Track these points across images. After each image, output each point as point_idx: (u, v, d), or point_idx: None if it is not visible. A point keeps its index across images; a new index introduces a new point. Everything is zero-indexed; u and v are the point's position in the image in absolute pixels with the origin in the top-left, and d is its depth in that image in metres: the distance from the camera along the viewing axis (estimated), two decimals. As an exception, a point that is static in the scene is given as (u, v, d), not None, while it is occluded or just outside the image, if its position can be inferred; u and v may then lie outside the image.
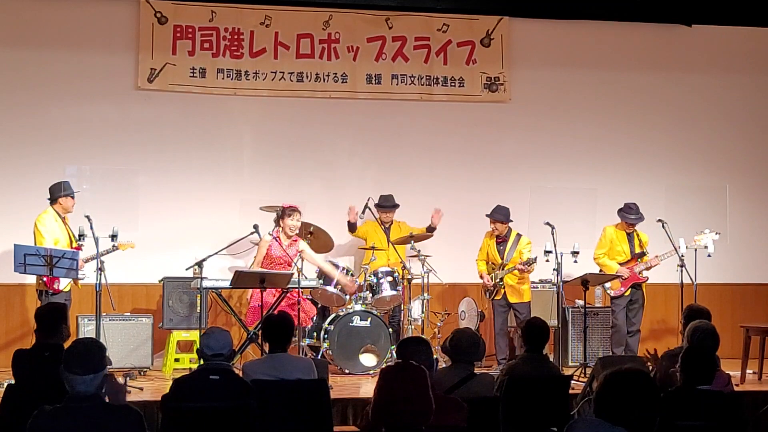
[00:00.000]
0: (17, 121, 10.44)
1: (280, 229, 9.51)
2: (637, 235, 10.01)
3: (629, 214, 9.89)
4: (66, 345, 4.92)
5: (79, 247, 8.93)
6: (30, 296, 9.63)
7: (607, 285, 9.90)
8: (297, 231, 9.58)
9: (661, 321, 11.10)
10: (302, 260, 9.32)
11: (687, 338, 6.12)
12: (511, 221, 9.97)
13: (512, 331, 10.17)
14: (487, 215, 9.92)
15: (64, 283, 8.98)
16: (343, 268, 9.74)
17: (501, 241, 9.94)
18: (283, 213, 9.52)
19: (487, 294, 10.03)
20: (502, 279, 9.83)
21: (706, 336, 6.01)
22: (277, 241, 9.41)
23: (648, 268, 9.89)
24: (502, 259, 9.88)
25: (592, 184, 11.45)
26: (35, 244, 8.98)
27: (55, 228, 9.12)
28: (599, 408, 3.66)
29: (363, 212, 10.16)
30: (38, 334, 6.56)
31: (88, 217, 8.78)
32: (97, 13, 10.59)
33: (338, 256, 10.55)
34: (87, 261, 8.97)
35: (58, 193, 9.22)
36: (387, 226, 10.32)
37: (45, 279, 8.86)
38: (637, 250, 9.93)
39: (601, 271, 9.88)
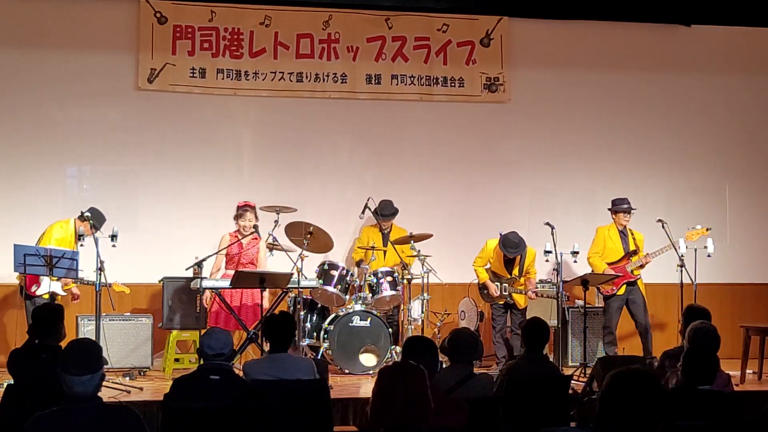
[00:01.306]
0: (18, 121, 10.44)
1: (239, 228, 9.57)
2: (632, 233, 10.05)
3: (622, 204, 10.03)
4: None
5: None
6: (30, 296, 9.64)
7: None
8: (250, 231, 9.60)
9: (661, 321, 11.10)
10: (302, 260, 9.33)
11: (688, 339, 6.12)
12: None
13: (507, 331, 10.14)
14: (503, 249, 9.72)
15: (42, 290, 9.03)
16: (343, 268, 9.73)
17: (509, 259, 9.92)
18: (239, 211, 9.60)
19: (487, 298, 10.01)
20: (511, 295, 9.84)
21: (707, 337, 6.01)
22: (236, 238, 9.50)
23: (640, 267, 9.93)
24: (510, 274, 9.88)
25: (592, 185, 11.45)
26: (38, 242, 9.03)
27: (63, 238, 9.16)
28: (604, 408, 3.65)
29: (363, 212, 10.16)
30: (35, 333, 6.57)
31: (88, 216, 8.78)
32: (97, 13, 10.59)
33: (338, 256, 10.55)
34: (84, 282, 8.97)
35: (92, 219, 9.03)
36: (386, 231, 10.33)
37: (26, 279, 8.93)
38: (631, 248, 9.97)
39: (593, 270, 9.92)
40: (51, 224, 9.33)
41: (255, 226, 9.35)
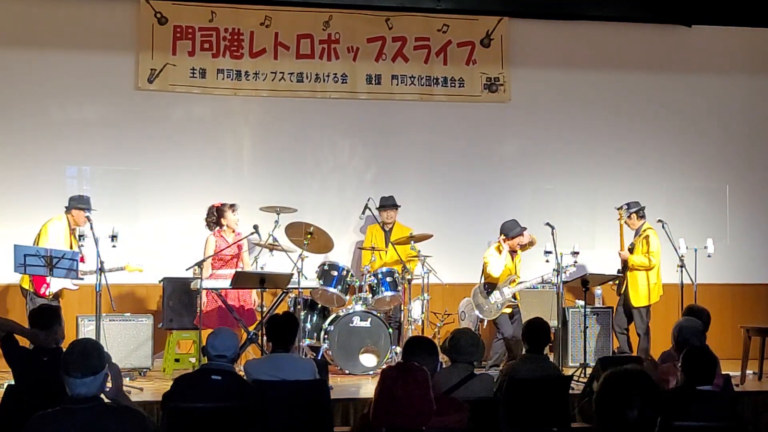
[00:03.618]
0: (17, 121, 10.45)
1: (223, 227, 9.51)
2: (639, 232, 10.04)
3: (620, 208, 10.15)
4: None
5: (82, 258, 8.97)
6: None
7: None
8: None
9: (662, 321, 11.08)
10: (302, 260, 9.33)
11: (673, 337, 6.13)
12: None
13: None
14: (514, 235, 9.67)
15: (54, 288, 9.05)
16: (344, 269, 9.73)
17: (514, 255, 9.84)
18: (221, 211, 9.54)
19: (489, 314, 9.80)
20: (514, 295, 9.79)
21: (691, 333, 6.01)
22: (222, 238, 9.49)
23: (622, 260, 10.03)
24: (515, 271, 9.82)
25: (593, 185, 11.45)
26: (35, 243, 9.04)
27: (61, 237, 9.20)
28: (599, 408, 3.66)
29: (363, 212, 10.17)
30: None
31: (88, 217, 8.79)
32: (97, 13, 10.60)
33: (338, 257, 10.55)
34: (86, 274, 8.95)
35: (74, 203, 9.30)
36: (389, 227, 10.33)
37: (33, 282, 8.96)
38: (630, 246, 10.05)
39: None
40: (44, 223, 9.35)
41: (255, 226, 9.33)
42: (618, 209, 10.12)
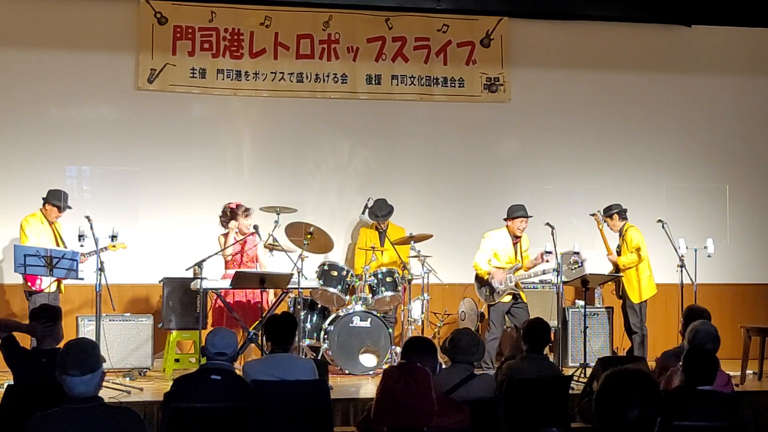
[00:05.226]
0: (17, 121, 10.45)
1: (235, 228, 9.51)
2: (624, 234, 10.00)
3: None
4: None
5: None
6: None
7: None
8: (248, 230, 9.65)
9: (662, 321, 11.10)
10: (302, 260, 9.34)
11: (688, 339, 6.11)
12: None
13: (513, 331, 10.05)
14: (515, 216, 9.61)
15: (46, 282, 9.02)
16: (344, 269, 9.73)
17: (516, 241, 9.80)
18: (234, 213, 9.56)
19: (489, 298, 9.84)
20: (517, 284, 9.68)
21: (707, 338, 6.01)
22: (233, 239, 9.51)
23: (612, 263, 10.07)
24: (516, 257, 9.73)
25: (593, 185, 11.45)
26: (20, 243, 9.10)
27: (39, 230, 9.22)
28: (599, 408, 3.66)
29: (363, 212, 10.17)
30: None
31: (87, 217, 8.79)
32: (97, 14, 10.60)
33: (338, 257, 10.55)
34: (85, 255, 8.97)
35: (48, 197, 9.36)
36: (383, 229, 10.31)
37: (25, 277, 8.97)
38: (617, 249, 10.09)
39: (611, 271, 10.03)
40: (21, 221, 9.38)
41: (255, 226, 9.36)
42: (592, 215, 10.14)
